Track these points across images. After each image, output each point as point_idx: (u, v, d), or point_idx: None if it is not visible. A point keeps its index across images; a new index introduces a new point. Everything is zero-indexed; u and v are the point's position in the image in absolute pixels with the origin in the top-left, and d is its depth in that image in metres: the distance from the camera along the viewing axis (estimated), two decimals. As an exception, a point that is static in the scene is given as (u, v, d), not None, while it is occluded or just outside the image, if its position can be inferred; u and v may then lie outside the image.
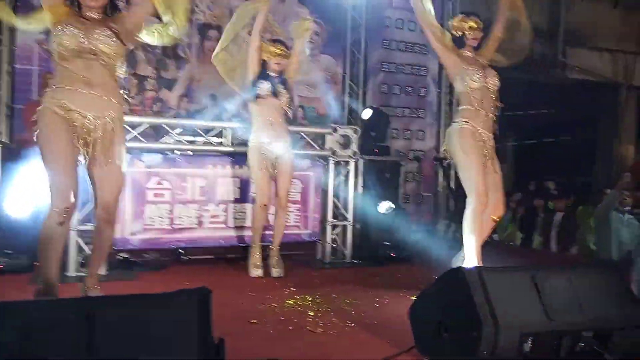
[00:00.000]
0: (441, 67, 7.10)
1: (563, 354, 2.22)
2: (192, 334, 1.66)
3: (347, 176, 5.11)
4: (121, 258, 4.44)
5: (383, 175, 5.48)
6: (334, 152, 4.94)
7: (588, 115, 9.27)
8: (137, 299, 1.74)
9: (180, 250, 4.62)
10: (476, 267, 2.44)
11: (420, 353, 2.52)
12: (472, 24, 3.52)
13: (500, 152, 3.60)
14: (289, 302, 3.42)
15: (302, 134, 5.05)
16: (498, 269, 2.55)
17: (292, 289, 3.80)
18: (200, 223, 4.54)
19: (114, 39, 2.69)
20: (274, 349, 2.53)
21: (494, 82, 3.53)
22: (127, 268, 4.31)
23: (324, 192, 4.99)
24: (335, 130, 4.97)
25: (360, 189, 5.32)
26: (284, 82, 4.23)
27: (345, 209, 5.09)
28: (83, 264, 4.03)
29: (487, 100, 3.49)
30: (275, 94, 4.16)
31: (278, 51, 4.19)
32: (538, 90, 8.28)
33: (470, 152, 3.39)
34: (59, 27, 2.61)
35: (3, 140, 4.94)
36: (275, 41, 4.29)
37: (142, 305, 1.70)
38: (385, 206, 5.17)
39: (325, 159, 4.99)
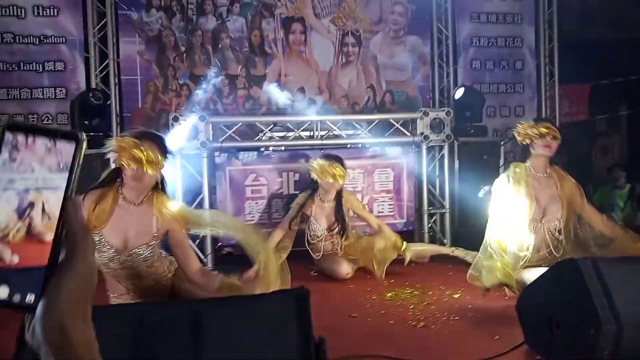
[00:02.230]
0: (537, 36, 6.61)
1: (701, 354, 1.97)
2: (291, 334, 1.69)
3: (441, 161, 4.93)
4: (225, 252, 4.67)
5: (481, 157, 5.22)
6: (425, 137, 4.78)
7: None
8: (238, 301, 1.80)
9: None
10: (591, 258, 2.24)
11: (531, 349, 2.38)
12: (543, 129, 3.03)
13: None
14: (388, 294, 3.39)
15: (392, 120, 4.95)
16: (617, 259, 2.33)
17: (391, 281, 3.76)
18: (296, 216, 4.63)
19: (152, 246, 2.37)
20: (376, 344, 2.51)
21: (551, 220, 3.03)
22: (231, 262, 4.52)
23: (418, 179, 4.86)
24: (426, 114, 4.81)
25: (456, 174, 5.12)
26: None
27: (442, 195, 4.93)
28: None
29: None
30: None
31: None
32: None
33: None
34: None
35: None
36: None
37: (243, 307, 1.75)
38: (485, 190, 4.93)
39: (417, 144, 4.85)
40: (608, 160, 7.81)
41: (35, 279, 0.46)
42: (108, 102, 5.32)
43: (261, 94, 5.97)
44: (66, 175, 0.48)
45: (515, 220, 3.00)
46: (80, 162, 0.49)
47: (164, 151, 2.33)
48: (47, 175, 0.47)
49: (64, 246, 0.48)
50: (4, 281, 0.46)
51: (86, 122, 5.01)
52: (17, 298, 0.46)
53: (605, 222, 3.03)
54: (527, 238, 2.99)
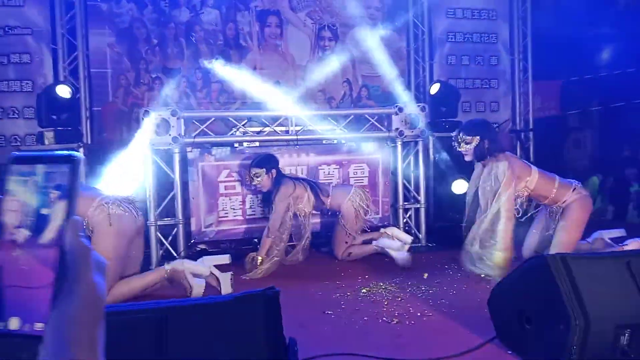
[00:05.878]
0: (512, 32, 6.68)
1: (666, 348, 2.00)
2: (261, 337, 1.65)
3: (416, 156, 4.94)
4: (199, 249, 4.59)
5: (456, 152, 5.23)
6: (400, 133, 4.78)
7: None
8: (206, 304, 1.76)
9: (255, 240, 4.70)
10: (560, 254, 2.25)
11: (502, 344, 2.39)
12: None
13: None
14: (363, 290, 3.37)
15: (367, 115, 4.93)
16: (586, 256, 2.35)
17: (365, 276, 3.75)
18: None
19: None
20: (349, 342, 2.50)
21: None
22: (205, 259, 4.44)
23: (393, 174, 4.86)
24: (400, 109, 4.80)
25: (432, 169, 5.13)
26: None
27: (417, 190, 4.93)
28: (164, 256, 4.23)
29: None
30: None
31: None
32: (624, 46, 7.53)
33: None
34: None
35: (85, 141, 5.24)
36: None
37: (209, 310, 1.71)
38: (459, 185, 4.95)
39: (392, 140, 4.84)
40: (581, 154, 7.97)
41: (42, 307, 0.46)
42: (77, 96, 5.18)
43: (235, 87, 5.89)
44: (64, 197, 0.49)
45: None
46: (78, 183, 0.49)
47: None
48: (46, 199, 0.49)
49: (65, 270, 0.47)
50: (15, 313, 0.47)
51: (54, 116, 4.86)
52: (27, 328, 0.47)
53: None
54: None
